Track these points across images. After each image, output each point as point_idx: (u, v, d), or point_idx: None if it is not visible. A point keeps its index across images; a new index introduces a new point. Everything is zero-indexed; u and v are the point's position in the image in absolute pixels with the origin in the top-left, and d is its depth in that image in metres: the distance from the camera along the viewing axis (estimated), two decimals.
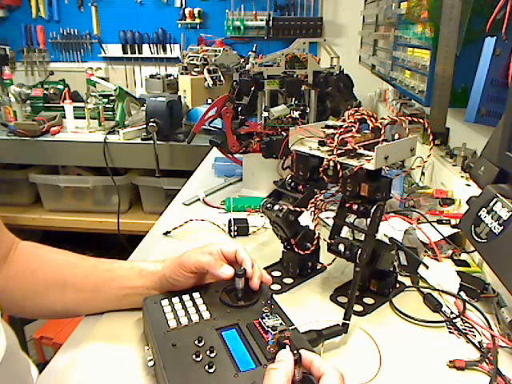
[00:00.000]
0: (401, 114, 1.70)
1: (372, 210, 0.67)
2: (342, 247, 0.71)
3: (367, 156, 0.69)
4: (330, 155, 0.70)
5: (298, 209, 0.75)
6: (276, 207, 0.77)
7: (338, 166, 0.69)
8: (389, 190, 0.70)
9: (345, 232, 0.78)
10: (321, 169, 0.72)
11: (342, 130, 0.71)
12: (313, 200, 0.75)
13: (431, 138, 0.79)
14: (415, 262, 0.84)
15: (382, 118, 0.72)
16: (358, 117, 0.71)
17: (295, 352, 0.46)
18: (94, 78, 2.37)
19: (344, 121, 0.73)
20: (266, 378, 0.44)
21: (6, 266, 0.66)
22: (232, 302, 0.63)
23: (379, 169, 0.68)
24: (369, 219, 0.69)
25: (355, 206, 0.70)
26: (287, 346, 0.48)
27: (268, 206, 0.79)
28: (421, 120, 0.75)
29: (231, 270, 0.63)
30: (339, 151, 0.69)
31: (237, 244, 0.70)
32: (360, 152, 0.70)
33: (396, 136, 0.72)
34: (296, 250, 0.78)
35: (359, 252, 0.68)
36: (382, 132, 0.70)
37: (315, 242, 0.77)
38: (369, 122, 0.71)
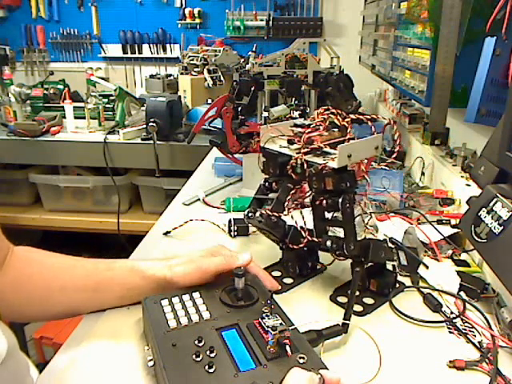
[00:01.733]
0: (400, 113, 1.70)
1: (340, 201, 0.69)
2: (329, 243, 0.72)
3: (333, 154, 0.70)
4: (297, 153, 0.72)
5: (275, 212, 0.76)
6: (257, 214, 0.78)
7: (305, 164, 0.71)
8: (354, 180, 0.71)
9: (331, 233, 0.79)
10: (288, 166, 0.74)
11: (309, 129, 0.72)
12: (289, 197, 0.77)
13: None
14: (415, 262, 0.84)
15: (346, 116, 0.73)
16: (325, 116, 0.73)
17: (320, 377, 0.47)
18: (93, 78, 2.38)
19: (313, 119, 0.75)
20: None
21: (3, 273, 0.65)
22: (232, 302, 0.63)
23: (344, 167, 0.69)
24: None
25: (324, 202, 0.72)
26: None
27: (250, 215, 0.79)
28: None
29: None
30: (305, 149, 0.71)
31: (247, 256, 0.70)
32: (326, 150, 0.71)
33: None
34: (291, 246, 0.79)
35: (345, 243, 0.69)
36: (348, 131, 0.71)
37: (306, 234, 0.78)
38: (335, 120, 0.72)
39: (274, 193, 0.79)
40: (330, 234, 0.77)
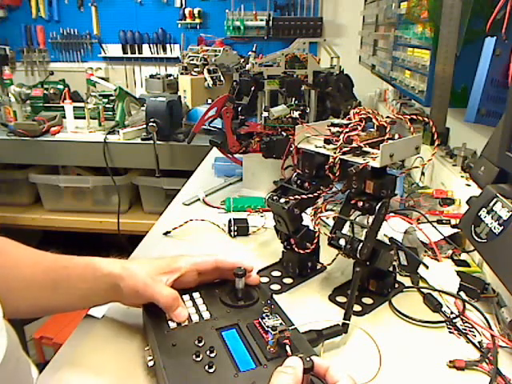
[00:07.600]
0: (401, 113, 1.70)
1: (377, 207, 0.68)
2: (342, 242, 0.71)
3: (372, 154, 0.69)
4: (335, 153, 0.71)
5: (304, 197, 0.75)
6: (282, 200, 0.77)
7: (344, 164, 0.70)
8: (394, 187, 0.71)
9: (345, 231, 0.78)
10: (327, 166, 0.72)
11: (347, 128, 0.71)
12: (318, 197, 0.76)
13: (435, 136, 0.78)
14: (415, 262, 0.84)
15: (387, 117, 0.72)
16: (364, 116, 0.72)
17: (308, 360, 0.46)
18: (93, 77, 2.38)
19: (349, 119, 0.74)
20: (274, 379, 0.44)
21: None
22: (232, 302, 0.63)
23: (384, 166, 0.69)
24: (372, 216, 0.69)
25: (360, 203, 0.71)
26: (298, 354, 0.47)
27: (274, 198, 0.79)
28: (425, 119, 0.75)
29: (184, 314, 0.60)
30: (345, 149, 0.70)
31: (210, 256, 0.67)
32: (365, 150, 0.70)
33: (396, 136, 0.72)
34: (296, 249, 0.78)
35: (360, 246, 0.68)
36: (387, 130, 0.71)
37: (315, 241, 0.77)
38: (374, 120, 0.72)
39: (304, 190, 0.78)
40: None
